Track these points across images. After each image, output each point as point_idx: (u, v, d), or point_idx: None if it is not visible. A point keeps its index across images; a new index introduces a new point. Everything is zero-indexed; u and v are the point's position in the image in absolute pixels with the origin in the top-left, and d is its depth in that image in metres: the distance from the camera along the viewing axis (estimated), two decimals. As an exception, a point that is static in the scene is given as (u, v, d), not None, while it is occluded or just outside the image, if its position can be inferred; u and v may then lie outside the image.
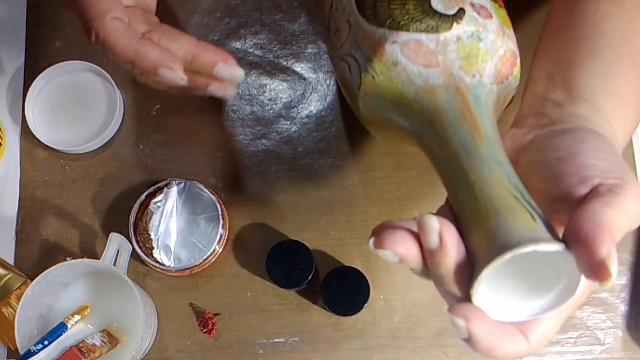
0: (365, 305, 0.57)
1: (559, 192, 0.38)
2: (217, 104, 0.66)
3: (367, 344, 0.61)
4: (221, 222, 0.60)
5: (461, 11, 0.46)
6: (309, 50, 0.67)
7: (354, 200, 0.63)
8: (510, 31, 0.48)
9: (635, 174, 0.64)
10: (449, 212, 0.41)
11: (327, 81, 0.67)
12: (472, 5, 0.47)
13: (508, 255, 0.34)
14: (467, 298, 0.36)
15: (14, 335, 0.55)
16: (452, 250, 0.36)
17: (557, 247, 0.33)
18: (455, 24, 0.46)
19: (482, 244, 0.36)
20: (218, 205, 0.60)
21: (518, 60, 0.48)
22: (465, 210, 0.39)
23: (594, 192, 0.36)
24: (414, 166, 0.64)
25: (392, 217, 0.64)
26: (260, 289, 0.62)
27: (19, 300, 0.56)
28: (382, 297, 0.61)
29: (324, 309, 0.60)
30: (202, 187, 0.61)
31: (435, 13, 0.46)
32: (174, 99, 0.66)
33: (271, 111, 0.66)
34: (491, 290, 0.36)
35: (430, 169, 0.65)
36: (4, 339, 0.61)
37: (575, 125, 0.42)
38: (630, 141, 0.64)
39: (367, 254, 0.62)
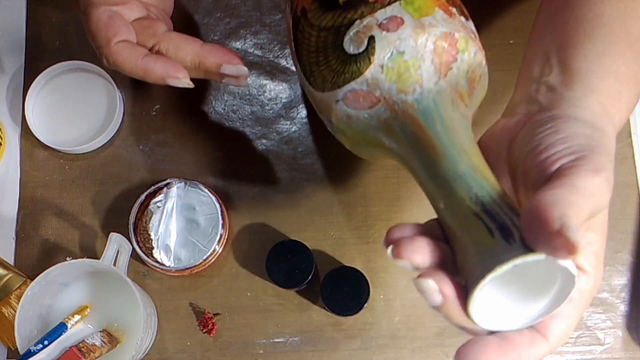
0: (365, 305, 0.57)
1: (532, 185, 0.38)
2: (217, 104, 0.66)
3: (367, 344, 0.61)
4: (221, 222, 0.60)
5: (371, 41, 0.45)
6: (309, 50, 0.67)
7: (354, 200, 0.63)
8: (434, 15, 0.46)
9: (636, 175, 0.64)
10: (438, 225, 0.41)
11: (327, 81, 0.67)
12: (380, 25, 0.46)
13: (476, 292, 0.34)
14: (466, 318, 0.37)
15: (14, 335, 0.55)
16: (455, 301, 0.36)
17: (512, 263, 0.33)
18: (371, 57, 0.45)
19: (465, 268, 0.37)
20: (218, 205, 0.60)
21: (459, 34, 0.46)
22: (447, 232, 0.39)
23: (549, 179, 0.36)
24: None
25: (392, 217, 0.64)
26: (260, 289, 0.62)
27: (19, 300, 0.56)
28: (382, 297, 0.61)
29: (324, 309, 0.60)
30: (202, 187, 0.61)
31: (351, 58, 0.45)
32: (174, 99, 0.66)
33: (271, 111, 0.66)
34: (493, 303, 0.36)
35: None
36: (4, 339, 0.61)
37: (560, 113, 0.41)
38: (631, 142, 0.64)
39: (367, 254, 0.62)
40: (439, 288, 0.36)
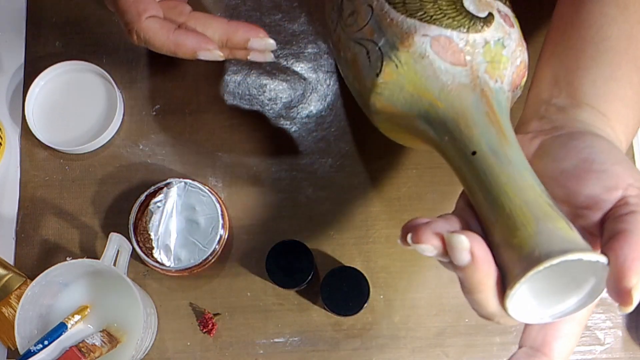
0: (365, 305, 0.57)
1: (583, 201, 0.38)
2: (217, 104, 0.66)
3: (367, 344, 0.61)
4: (221, 222, 0.60)
5: (491, 16, 0.47)
6: (309, 50, 0.67)
7: (354, 200, 0.63)
8: (524, 44, 0.49)
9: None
10: (467, 207, 0.40)
11: (327, 81, 0.67)
12: (499, 11, 0.47)
13: (554, 262, 0.34)
14: (497, 305, 0.36)
15: (14, 335, 0.55)
16: (484, 265, 0.36)
17: (600, 258, 0.34)
18: (485, 27, 0.46)
19: (520, 249, 0.36)
20: (218, 206, 0.60)
21: (527, 72, 0.49)
22: (495, 213, 0.38)
23: (626, 207, 0.36)
24: (414, 166, 0.64)
25: (392, 217, 0.64)
26: (260, 289, 0.62)
27: (19, 300, 0.56)
28: (382, 297, 0.61)
29: (324, 309, 0.60)
30: (202, 187, 0.61)
31: (468, 13, 0.46)
32: (174, 99, 0.66)
33: (271, 111, 0.66)
34: (526, 294, 0.36)
35: (431, 169, 0.65)
36: (4, 339, 0.61)
37: (579, 130, 0.42)
38: (631, 143, 0.64)
39: (367, 254, 0.62)
40: (471, 247, 0.35)
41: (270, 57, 0.54)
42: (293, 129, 0.66)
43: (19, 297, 0.58)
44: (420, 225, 0.37)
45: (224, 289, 0.62)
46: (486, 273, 0.36)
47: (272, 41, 0.53)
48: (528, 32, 0.54)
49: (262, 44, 0.53)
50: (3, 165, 0.65)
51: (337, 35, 0.52)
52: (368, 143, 0.65)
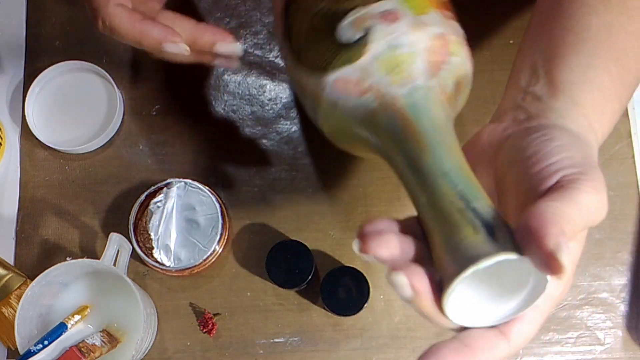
0: (365, 305, 0.57)
1: (526, 192, 0.38)
2: (217, 104, 0.66)
3: (367, 344, 0.61)
4: (221, 222, 0.60)
5: (367, 30, 0.45)
6: (309, 50, 0.67)
7: (354, 200, 0.63)
8: (430, 14, 0.46)
9: (636, 175, 0.64)
10: (417, 223, 0.41)
11: (327, 81, 0.67)
12: (380, 15, 0.46)
13: (455, 284, 0.34)
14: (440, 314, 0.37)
15: (14, 335, 0.55)
16: (427, 295, 0.36)
17: (498, 258, 0.34)
18: (367, 46, 0.45)
19: (441, 264, 0.37)
20: (218, 206, 0.60)
21: (452, 37, 0.46)
22: (425, 228, 0.39)
23: (550, 189, 0.36)
24: (414, 166, 0.64)
25: (392, 217, 0.64)
26: (260, 289, 0.62)
27: (19, 300, 0.56)
28: (382, 297, 0.61)
29: (324, 309, 0.60)
30: (202, 187, 0.61)
31: (342, 46, 0.45)
32: (174, 99, 0.66)
33: (271, 111, 0.66)
34: (466, 299, 0.36)
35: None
36: (4, 339, 0.61)
37: (548, 122, 0.42)
38: (631, 142, 0.64)
39: (367, 254, 0.62)
40: (410, 282, 0.36)
41: (235, 66, 0.54)
42: (293, 129, 0.66)
43: (19, 297, 0.58)
44: (367, 234, 0.38)
45: (224, 289, 0.62)
46: (429, 300, 0.36)
47: (238, 47, 0.53)
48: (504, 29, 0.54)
49: (228, 49, 0.52)
50: (3, 165, 0.65)
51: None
52: (368, 143, 0.65)
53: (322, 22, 0.47)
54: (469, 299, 0.37)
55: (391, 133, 0.44)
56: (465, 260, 0.35)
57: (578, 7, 0.46)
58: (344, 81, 0.45)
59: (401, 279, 0.36)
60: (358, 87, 0.45)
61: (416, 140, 0.42)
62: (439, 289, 0.36)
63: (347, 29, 0.46)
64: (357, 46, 0.45)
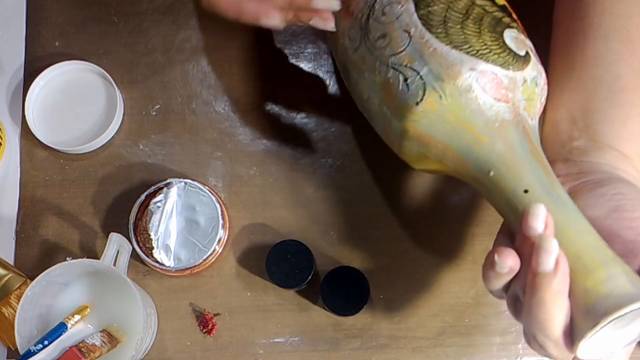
0: (365, 305, 0.57)
1: (618, 250, 0.39)
2: (217, 104, 0.66)
3: (367, 344, 0.61)
4: (221, 222, 0.60)
5: (528, 54, 0.48)
6: (309, 50, 0.67)
7: (354, 200, 0.63)
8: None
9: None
10: (510, 243, 0.41)
11: (327, 81, 0.67)
12: (531, 50, 0.49)
13: (635, 307, 0.35)
14: (559, 333, 0.37)
15: (14, 335, 0.55)
16: (565, 277, 0.37)
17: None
18: (525, 66, 0.47)
19: (595, 294, 0.36)
20: (218, 206, 0.60)
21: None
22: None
23: None
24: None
25: (392, 217, 0.64)
26: (260, 289, 0.62)
27: (19, 300, 0.56)
28: (382, 297, 0.61)
29: (324, 309, 0.60)
30: (202, 187, 0.61)
31: (511, 51, 0.47)
32: (174, 99, 0.66)
33: (271, 111, 0.66)
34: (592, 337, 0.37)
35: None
36: (4, 339, 0.61)
37: (606, 176, 0.43)
38: None
39: (367, 254, 0.62)
40: (558, 256, 0.36)
41: (331, 27, 0.52)
42: (293, 129, 0.66)
43: (19, 297, 0.57)
44: (501, 249, 0.39)
45: (224, 289, 0.62)
46: (563, 288, 0.36)
47: (337, 2, 0.51)
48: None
49: (324, 4, 0.51)
50: (3, 165, 0.65)
51: (359, 55, 0.51)
52: (368, 143, 0.65)
53: (484, 16, 0.48)
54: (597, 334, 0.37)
55: (520, 150, 0.45)
56: (629, 295, 0.35)
57: (604, 54, 0.47)
58: (493, 78, 0.46)
59: (555, 244, 0.36)
60: (499, 92, 0.46)
61: (546, 169, 0.44)
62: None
63: (511, 40, 0.47)
64: (518, 59, 0.47)
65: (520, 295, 0.39)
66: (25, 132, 0.66)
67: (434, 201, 0.63)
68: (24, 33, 0.68)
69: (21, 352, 0.55)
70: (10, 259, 0.63)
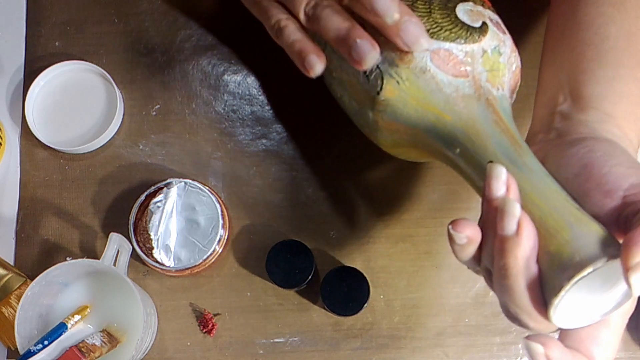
0: (365, 305, 0.57)
1: (588, 209, 0.38)
2: (217, 104, 0.66)
3: (367, 344, 0.61)
4: (221, 222, 0.60)
5: (485, 25, 0.47)
6: (309, 50, 0.67)
7: (354, 200, 0.63)
8: (516, 49, 0.49)
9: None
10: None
11: (327, 81, 0.67)
12: (491, 20, 0.48)
13: (598, 265, 0.34)
14: (527, 297, 0.36)
15: (14, 335, 0.55)
16: (527, 241, 0.35)
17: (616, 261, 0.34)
18: (482, 37, 0.46)
19: (559, 256, 0.36)
20: (218, 206, 0.60)
21: (520, 77, 0.49)
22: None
23: (631, 207, 0.36)
24: (414, 166, 0.64)
25: (392, 217, 0.64)
26: (260, 289, 0.62)
27: (19, 300, 0.56)
28: (382, 297, 0.61)
29: (324, 309, 0.60)
30: (202, 187, 0.61)
31: (464, 24, 0.46)
32: (174, 99, 0.66)
33: (271, 111, 0.66)
34: (562, 302, 0.36)
35: (430, 169, 0.65)
36: (4, 339, 0.61)
37: (582, 135, 0.42)
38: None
39: (367, 254, 0.62)
40: (520, 218, 0.35)
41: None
42: (293, 129, 0.65)
43: (19, 297, 0.57)
44: (460, 219, 0.37)
45: (224, 289, 0.62)
46: (526, 252, 0.35)
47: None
48: (520, 37, 0.54)
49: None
50: (3, 165, 0.65)
51: (329, 53, 0.50)
52: (368, 143, 0.65)
53: None
54: (570, 300, 0.37)
55: (483, 122, 0.44)
56: (592, 255, 0.34)
57: (594, 17, 0.46)
58: (447, 55, 0.45)
59: (517, 207, 0.35)
60: (457, 68, 0.45)
61: (512, 137, 0.43)
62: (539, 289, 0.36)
63: (464, 14, 0.47)
64: (473, 32, 0.46)
65: (490, 266, 0.38)
66: (25, 132, 0.66)
67: (434, 201, 0.63)
68: (24, 33, 0.68)
69: (21, 352, 0.55)
70: (10, 259, 0.63)
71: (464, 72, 0.46)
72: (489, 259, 0.38)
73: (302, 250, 0.58)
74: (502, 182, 0.36)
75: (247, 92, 0.67)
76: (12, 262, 0.63)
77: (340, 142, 0.65)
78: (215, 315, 0.62)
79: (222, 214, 0.60)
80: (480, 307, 0.61)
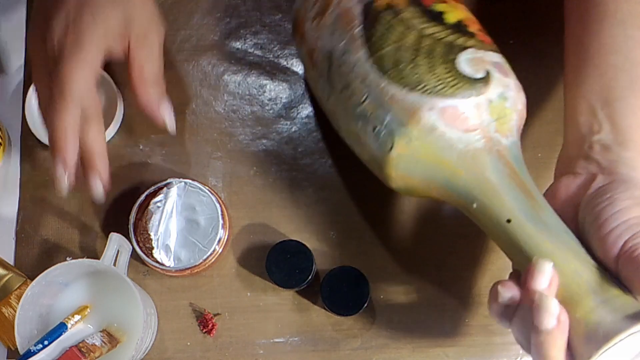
0: (365, 305, 0.57)
1: (602, 255, 0.40)
2: (217, 104, 0.66)
3: (367, 344, 0.61)
4: (221, 222, 0.60)
5: (488, 74, 0.47)
6: (309, 50, 0.67)
7: (354, 201, 0.63)
8: (520, 85, 0.49)
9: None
10: (518, 280, 0.42)
11: (327, 81, 0.67)
12: (493, 64, 0.48)
13: (623, 336, 0.35)
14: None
15: (14, 335, 0.55)
16: (564, 334, 0.38)
17: None
18: (486, 87, 0.46)
19: (585, 325, 0.37)
20: (218, 206, 0.60)
21: (526, 112, 0.50)
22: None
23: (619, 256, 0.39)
24: (414, 166, 0.64)
25: (392, 217, 0.64)
26: (260, 289, 0.62)
27: (19, 300, 0.56)
28: (382, 297, 0.61)
29: (324, 309, 0.60)
30: (202, 187, 0.61)
31: (467, 78, 0.46)
32: (174, 99, 0.66)
33: (271, 111, 0.66)
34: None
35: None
36: (4, 339, 0.61)
37: (617, 177, 0.43)
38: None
39: (367, 254, 0.62)
40: (559, 313, 0.37)
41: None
42: (293, 129, 0.66)
43: (19, 297, 0.58)
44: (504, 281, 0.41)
45: (224, 289, 0.62)
46: (563, 340, 0.38)
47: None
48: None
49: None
50: (3, 165, 0.65)
51: (332, 105, 0.51)
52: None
53: (435, 47, 0.47)
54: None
55: (497, 177, 0.44)
56: (617, 326, 0.36)
57: (622, 40, 0.46)
58: (454, 111, 0.45)
59: (555, 304, 0.37)
60: (465, 123, 0.46)
61: (527, 192, 0.43)
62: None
63: (466, 64, 0.46)
64: (477, 84, 0.46)
65: (522, 330, 0.41)
66: (25, 132, 0.66)
67: (433, 201, 0.63)
68: (24, 33, 0.68)
69: (21, 352, 0.55)
70: (10, 259, 0.63)
71: (473, 126, 0.46)
72: (522, 325, 0.40)
73: (302, 250, 0.58)
74: (546, 279, 0.38)
75: (247, 92, 0.67)
76: (12, 262, 0.63)
77: (340, 142, 0.65)
78: (215, 315, 0.62)
79: (222, 214, 0.60)
80: (480, 307, 0.61)
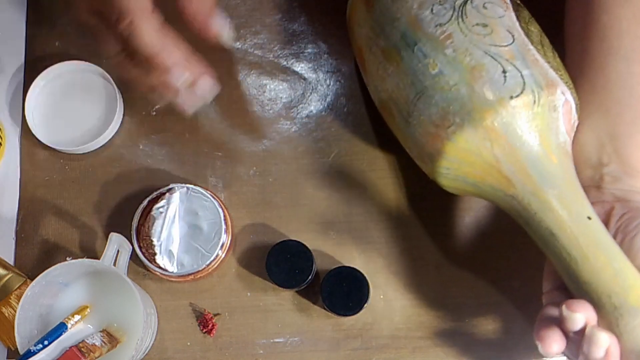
0: (365, 305, 0.57)
1: None
2: (217, 104, 0.66)
3: (367, 344, 0.61)
4: (224, 227, 0.60)
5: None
6: (309, 50, 0.67)
7: (354, 200, 0.63)
8: None
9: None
10: (555, 290, 0.45)
11: (327, 81, 0.67)
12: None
13: None
14: None
15: (14, 335, 0.55)
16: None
17: None
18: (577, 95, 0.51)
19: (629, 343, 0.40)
20: (221, 211, 0.60)
21: None
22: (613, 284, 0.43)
23: None
24: (414, 166, 0.64)
25: (392, 217, 0.64)
26: (260, 289, 0.62)
27: (19, 300, 0.56)
28: (382, 297, 0.61)
29: (324, 309, 0.60)
30: (204, 192, 0.61)
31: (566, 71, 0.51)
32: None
33: (271, 111, 0.66)
34: None
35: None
36: (4, 339, 0.61)
37: (636, 205, 0.45)
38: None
39: (367, 254, 0.62)
40: (609, 345, 0.39)
41: (190, 111, 0.51)
42: (293, 129, 0.66)
43: (19, 297, 0.58)
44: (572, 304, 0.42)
45: (224, 289, 0.62)
46: None
47: (212, 90, 0.50)
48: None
49: (204, 89, 0.51)
50: (3, 165, 0.65)
51: (445, 32, 0.49)
52: (368, 143, 0.65)
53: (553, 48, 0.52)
54: None
55: (576, 180, 0.48)
56: None
57: (626, 76, 0.48)
58: (569, 108, 0.49)
59: (604, 337, 0.39)
60: (568, 122, 0.49)
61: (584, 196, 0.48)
62: None
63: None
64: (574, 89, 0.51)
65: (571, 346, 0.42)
66: (25, 132, 0.66)
67: (434, 201, 0.63)
68: (24, 33, 0.68)
69: (21, 352, 0.55)
70: (10, 259, 0.63)
71: (571, 128, 0.49)
72: (574, 346, 0.42)
73: (302, 250, 0.58)
74: (603, 350, 0.40)
75: (247, 92, 0.67)
76: (12, 262, 0.63)
77: (340, 142, 0.65)
78: (215, 315, 0.62)
79: (225, 219, 0.60)
80: (480, 307, 0.61)
